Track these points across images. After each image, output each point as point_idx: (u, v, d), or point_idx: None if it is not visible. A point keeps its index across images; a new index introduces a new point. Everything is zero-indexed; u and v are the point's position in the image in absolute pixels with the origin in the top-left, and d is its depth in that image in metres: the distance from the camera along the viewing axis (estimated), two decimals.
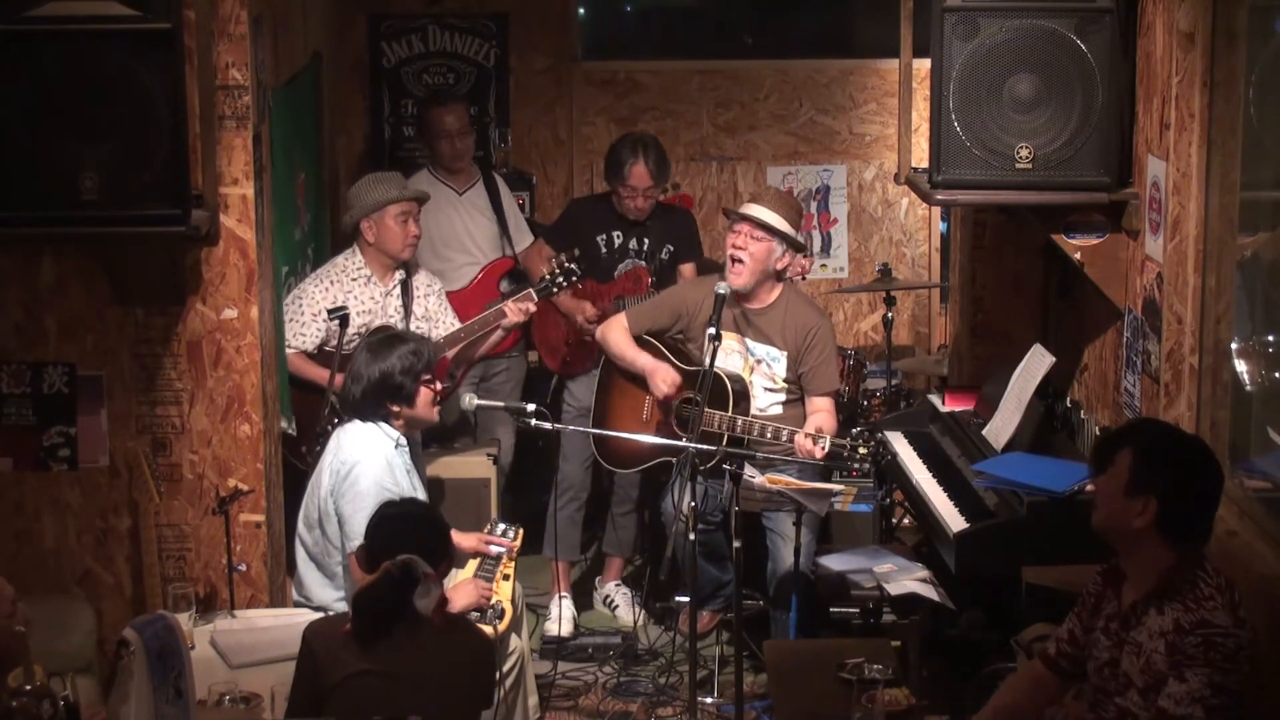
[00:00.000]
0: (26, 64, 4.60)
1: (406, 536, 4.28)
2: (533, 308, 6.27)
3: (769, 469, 5.67)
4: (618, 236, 6.78)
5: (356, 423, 5.22)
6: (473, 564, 5.42)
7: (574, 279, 6.32)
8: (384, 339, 5.35)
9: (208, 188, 5.00)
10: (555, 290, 6.34)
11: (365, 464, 5.08)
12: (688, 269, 6.85)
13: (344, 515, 5.05)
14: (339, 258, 6.22)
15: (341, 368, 5.66)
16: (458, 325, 6.29)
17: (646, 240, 6.78)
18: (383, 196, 6.09)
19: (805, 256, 7.69)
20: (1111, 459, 3.81)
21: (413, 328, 6.15)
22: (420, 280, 6.31)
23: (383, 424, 5.21)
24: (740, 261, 5.87)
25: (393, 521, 4.43)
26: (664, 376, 5.99)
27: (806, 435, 5.60)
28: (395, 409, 5.20)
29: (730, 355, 5.95)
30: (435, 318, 6.29)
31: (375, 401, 5.19)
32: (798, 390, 5.99)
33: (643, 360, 6.08)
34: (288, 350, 5.89)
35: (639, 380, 6.14)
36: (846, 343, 7.88)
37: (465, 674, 4.28)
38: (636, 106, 8.10)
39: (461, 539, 5.50)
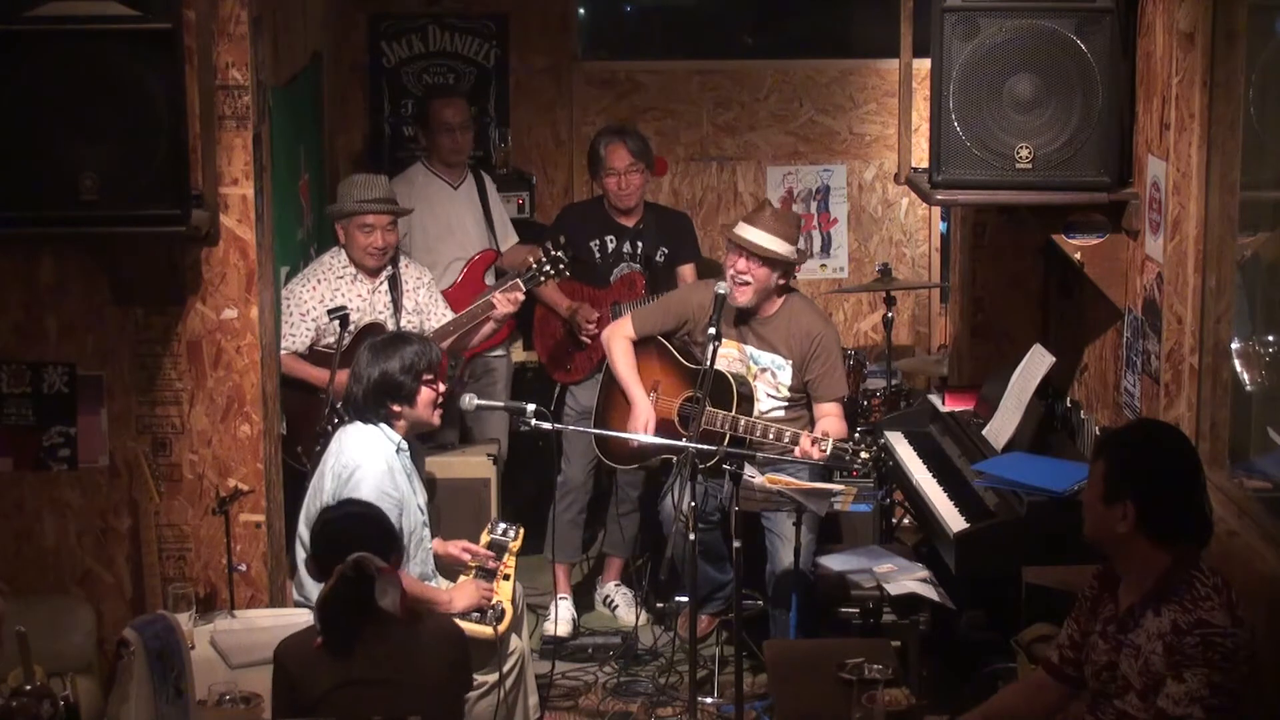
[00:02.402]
0: (26, 64, 4.59)
1: (353, 537, 4.24)
2: (520, 297, 6.23)
3: (769, 469, 5.67)
4: (611, 241, 6.77)
5: (358, 424, 5.22)
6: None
7: (561, 267, 6.29)
8: (388, 339, 5.35)
9: (208, 188, 5.00)
10: (543, 279, 6.31)
11: (366, 469, 5.08)
12: (687, 270, 6.84)
13: None
14: (325, 256, 6.22)
15: (341, 367, 5.68)
16: (450, 316, 6.28)
17: (641, 244, 6.77)
18: (351, 207, 6.09)
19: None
20: (1092, 467, 3.83)
21: (403, 322, 6.15)
22: (410, 274, 6.30)
23: (384, 426, 5.20)
24: (745, 284, 5.86)
25: (335, 524, 4.41)
26: (642, 422, 5.94)
27: (808, 437, 5.60)
28: (396, 409, 5.19)
29: (731, 364, 5.94)
30: (426, 310, 6.29)
31: (376, 401, 5.18)
32: (802, 399, 5.98)
33: (633, 391, 6.04)
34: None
35: (643, 378, 6.13)
36: (846, 343, 7.88)
37: (442, 663, 4.27)
38: (636, 106, 8.10)
39: (438, 546, 5.45)
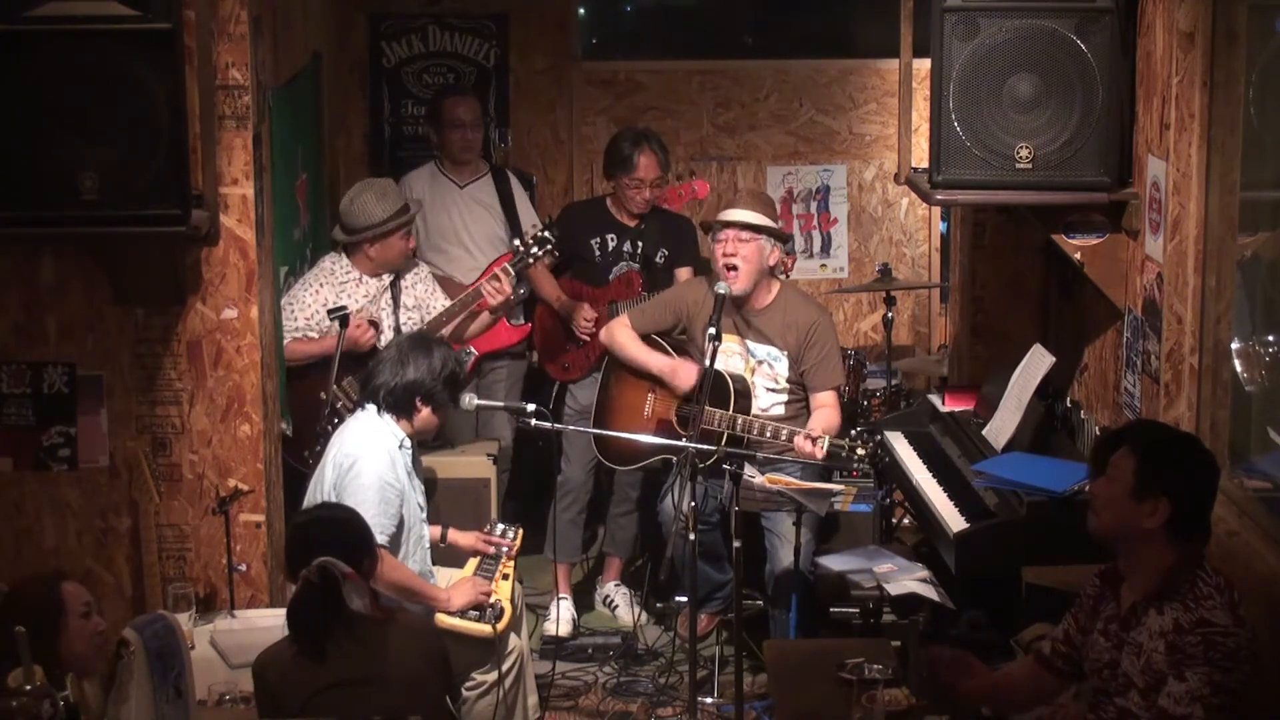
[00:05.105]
0: (27, 64, 4.60)
1: (322, 541, 4.26)
2: (508, 287, 6.19)
3: (769, 469, 5.67)
4: (612, 240, 6.77)
5: (361, 416, 5.24)
6: (473, 563, 5.43)
7: (549, 247, 6.27)
8: (438, 340, 5.45)
9: (208, 188, 5.00)
10: (531, 260, 6.28)
11: (368, 459, 5.10)
12: (684, 273, 6.82)
13: None
14: (325, 260, 6.20)
15: (340, 365, 5.69)
16: (446, 305, 6.28)
17: (641, 244, 6.76)
18: (392, 223, 6.06)
19: (788, 254, 7.70)
20: (1109, 463, 3.82)
21: (402, 319, 6.16)
22: (407, 269, 6.30)
23: (390, 420, 5.22)
24: (735, 268, 5.87)
25: (305, 529, 4.43)
26: (685, 374, 5.99)
27: (805, 436, 5.61)
28: (420, 408, 5.23)
29: (731, 358, 5.95)
30: (425, 304, 6.28)
31: (409, 394, 5.22)
32: (800, 392, 5.99)
33: (657, 362, 6.07)
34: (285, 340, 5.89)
35: (641, 377, 6.14)
36: (846, 343, 7.88)
37: (419, 657, 4.26)
38: (636, 106, 8.10)
39: (460, 537, 5.53)
